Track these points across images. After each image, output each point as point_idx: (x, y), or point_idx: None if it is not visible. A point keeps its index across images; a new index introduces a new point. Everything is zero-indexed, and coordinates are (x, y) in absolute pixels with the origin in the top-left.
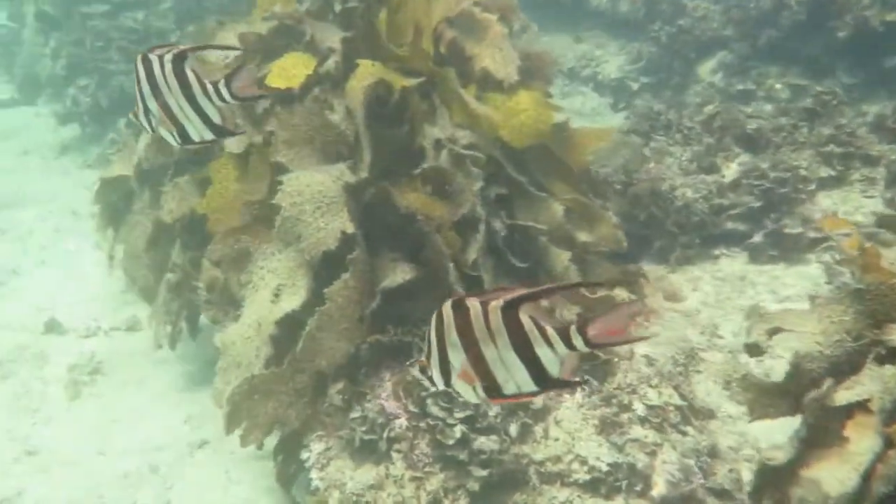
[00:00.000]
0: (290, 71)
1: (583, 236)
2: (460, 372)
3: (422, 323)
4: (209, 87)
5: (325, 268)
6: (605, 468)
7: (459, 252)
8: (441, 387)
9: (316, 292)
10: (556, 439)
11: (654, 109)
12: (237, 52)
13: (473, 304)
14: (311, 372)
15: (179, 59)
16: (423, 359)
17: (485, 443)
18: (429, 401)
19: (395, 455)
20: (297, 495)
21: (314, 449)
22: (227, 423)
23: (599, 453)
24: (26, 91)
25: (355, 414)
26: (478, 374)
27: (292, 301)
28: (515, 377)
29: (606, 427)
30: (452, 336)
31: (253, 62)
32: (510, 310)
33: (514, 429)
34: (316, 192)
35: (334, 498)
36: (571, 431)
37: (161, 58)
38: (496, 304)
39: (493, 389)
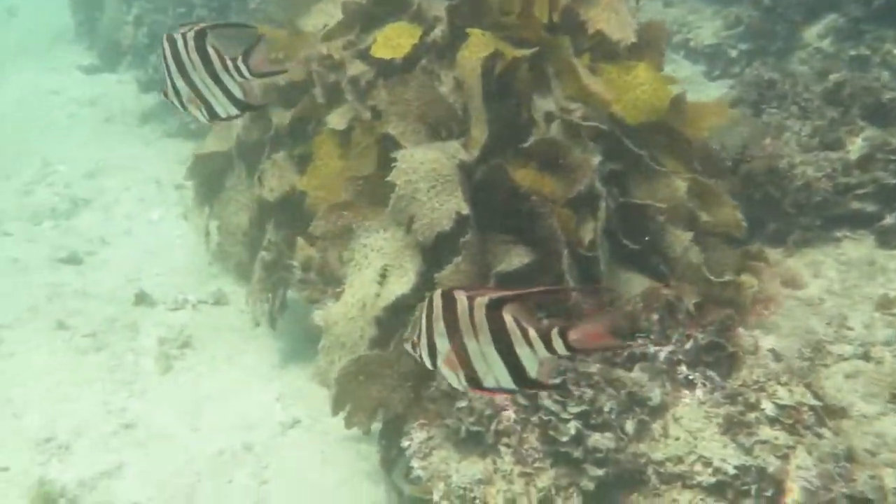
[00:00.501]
0: (394, 40)
1: (703, 217)
2: (445, 359)
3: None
4: (229, 63)
5: (434, 249)
6: (731, 471)
7: (573, 232)
8: (429, 367)
9: (425, 275)
10: (677, 438)
11: (765, 78)
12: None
13: (461, 298)
14: None
15: (201, 37)
16: (415, 338)
17: (600, 440)
18: (542, 393)
19: (502, 449)
20: (397, 481)
21: (416, 437)
22: (333, 404)
23: (725, 454)
24: (108, 58)
25: (461, 403)
26: (461, 364)
27: (401, 284)
28: (495, 372)
29: (732, 427)
30: (440, 326)
31: (269, 45)
32: (495, 308)
33: (630, 426)
34: (430, 171)
35: (439, 489)
36: (693, 430)
37: (184, 36)
38: (482, 301)
39: (474, 380)
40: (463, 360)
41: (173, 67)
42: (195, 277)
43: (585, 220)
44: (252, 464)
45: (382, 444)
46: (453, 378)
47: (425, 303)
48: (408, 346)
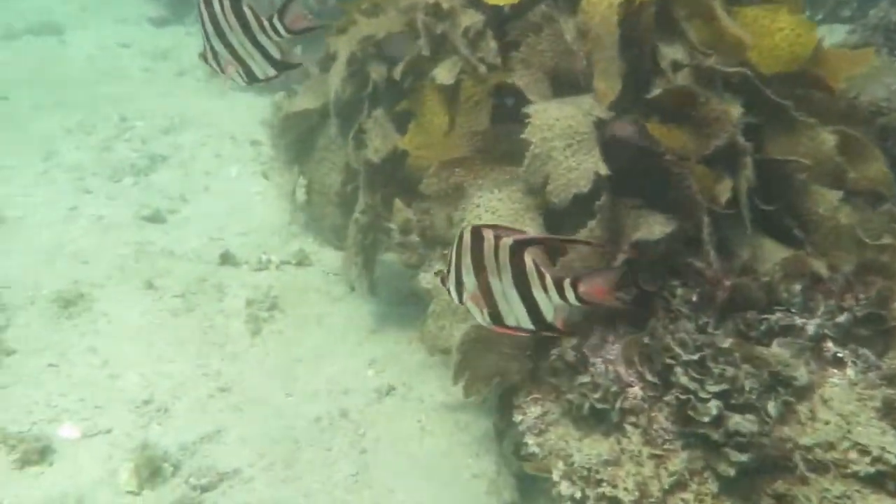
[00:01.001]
0: None
1: (850, 174)
2: (471, 294)
3: (668, 278)
4: (265, 23)
5: (551, 213)
6: (894, 460)
7: (711, 194)
8: (456, 301)
9: None
10: (827, 422)
11: (894, 21)
12: None
13: (489, 236)
14: None
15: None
16: (444, 272)
17: (741, 423)
18: (678, 370)
19: (629, 428)
20: (506, 455)
21: (530, 412)
22: (455, 372)
23: (884, 442)
24: (176, 9)
25: (584, 378)
26: (485, 301)
27: None
28: (515, 311)
29: (892, 412)
30: (467, 260)
31: None
32: (517, 250)
33: (773, 407)
34: (566, 128)
35: (558, 468)
36: (845, 414)
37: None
38: (506, 242)
39: (497, 317)
40: (488, 297)
41: (210, 29)
42: (277, 237)
43: (722, 180)
44: (350, 431)
45: (496, 416)
46: (478, 314)
47: (456, 238)
48: (437, 280)
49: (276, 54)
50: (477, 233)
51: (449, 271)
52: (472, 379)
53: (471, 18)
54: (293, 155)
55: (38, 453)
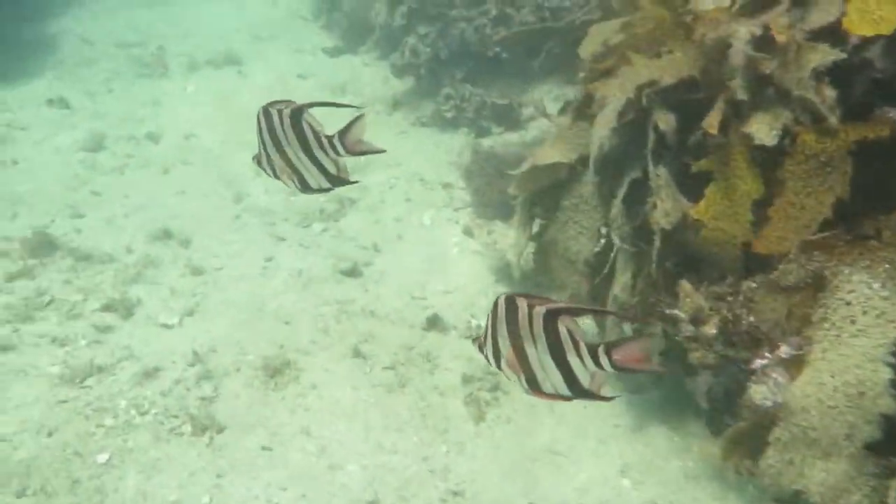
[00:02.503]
0: (874, 13)
1: None
2: (507, 360)
3: None
4: (324, 140)
5: None
6: None
7: None
8: (494, 367)
9: None
10: None
11: None
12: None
13: (522, 304)
14: None
15: (297, 115)
16: (482, 339)
17: None
18: None
19: None
20: None
21: None
22: None
23: None
24: (349, 39)
25: None
26: (521, 367)
27: None
28: (551, 378)
29: None
30: (502, 328)
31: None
32: (551, 317)
33: None
34: None
35: None
36: None
37: (280, 112)
38: (540, 310)
39: (534, 383)
40: (523, 363)
41: (268, 139)
42: (485, 298)
43: None
44: None
45: None
46: (515, 380)
47: (492, 307)
48: (475, 346)
49: (331, 170)
50: (511, 301)
51: (486, 338)
52: None
53: (822, 56)
54: (528, 213)
55: None
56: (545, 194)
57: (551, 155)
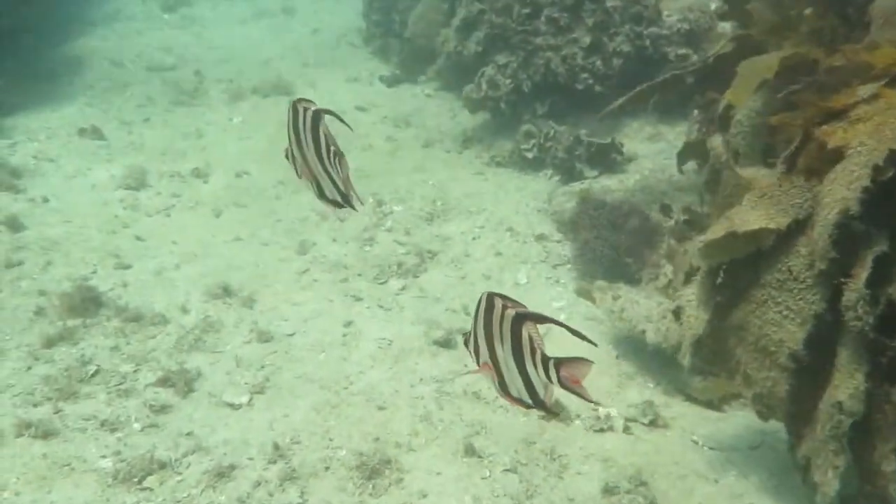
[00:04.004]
0: None
1: None
2: (483, 361)
3: None
4: (331, 152)
5: None
6: None
7: None
8: (476, 366)
9: None
10: None
11: None
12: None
13: (498, 304)
14: None
15: (317, 118)
16: (468, 336)
17: None
18: None
19: None
20: None
21: None
22: None
23: None
24: (408, 66)
25: None
26: (494, 368)
27: None
28: (515, 382)
29: None
30: (480, 327)
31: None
32: (518, 321)
33: None
34: None
35: None
36: None
37: (305, 111)
38: (510, 313)
39: (504, 384)
40: (495, 363)
41: (293, 137)
42: (608, 378)
43: None
44: None
45: None
46: (490, 380)
47: (477, 302)
48: (461, 340)
49: (339, 184)
50: (490, 300)
51: (471, 335)
52: None
53: None
54: (710, 287)
55: None
56: (739, 266)
57: (755, 219)
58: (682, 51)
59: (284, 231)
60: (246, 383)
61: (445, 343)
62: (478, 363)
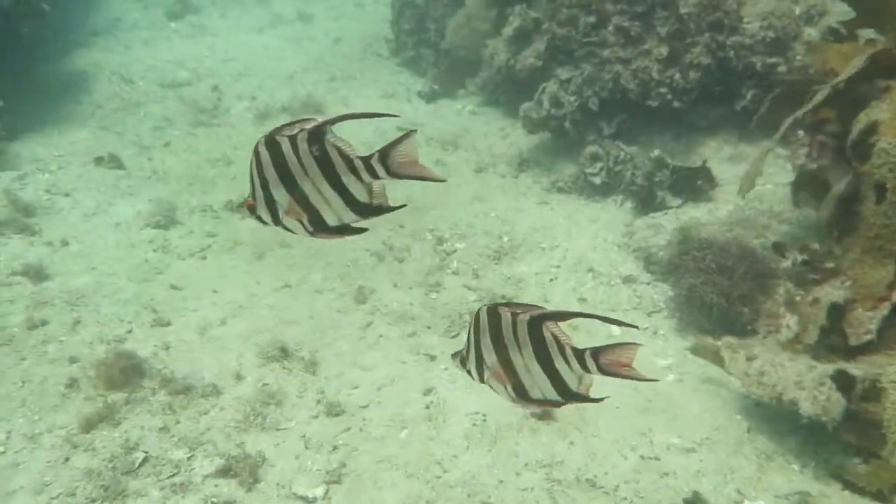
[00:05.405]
0: None
1: None
2: (493, 372)
3: None
4: (358, 163)
5: None
6: None
7: None
8: (477, 381)
9: None
10: None
11: None
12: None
13: (505, 313)
14: None
15: (317, 137)
16: (464, 353)
17: None
18: None
19: None
20: None
21: None
22: None
23: None
24: (445, 81)
25: None
26: (507, 376)
27: None
28: (539, 384)
29: None
30: (486, 339)
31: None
32: (535, 324)
33: None
34: None
35: None
36: None
37: (293, 138)
38: (524, 318)
39: (521, 390)
40: (510, 372)
41: (272, 175)
42: (743, 458)
43: None
44: None
45: None
46: (501, 390)
47: (472, 318)
48: (456, 362)
49: (363, 198)
50: (493, 312)
51: (468, 352)
52: None
53: None
54: None
55: None
56: None
57: None
58: (772, 59)
59: (338, 275)
60: (318, 469)
61: (545, 415)
62: (481, 380)
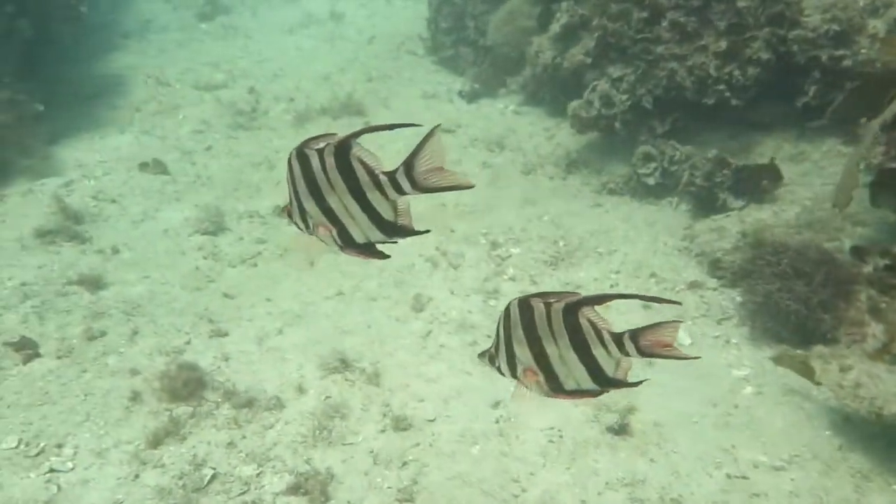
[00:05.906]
0: None
1: None
2: (525, 368)
3: None
4: (382, 178)
5: None
6: None
7: None
8: (509, 377)
9: None
10: None
11: None
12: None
13: (538, 304)
14: None
15: (343, 152)
16: (493, 350)
17: None
18: None
19: None
20: None
21: None
22: None
23: None
24: (486, 79)
25: None
26: (541, 369)
27: None
28: (575, 374)
29: None
30: (518, 333)
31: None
32: (571, 312)
33: None
34: None
35: None
36: None
37: (321, 152)
38: (558, 307)
39: (555, 383)
40: (543, 365)
41: (302, 187)
42: (841, 481)
43: None
44: None
45: None
46: (535, 387)
47: (502, 313)
48: (484, 360)
49: (388, 216)
50: (525, 304)
51: (498, 348)
52: None
53: None
54: None
55: None
56: None
57: None
58: (839, 52)
59: (393, 282)
60: (389, 487)
61: (620, 430)
62: (513, 376)
